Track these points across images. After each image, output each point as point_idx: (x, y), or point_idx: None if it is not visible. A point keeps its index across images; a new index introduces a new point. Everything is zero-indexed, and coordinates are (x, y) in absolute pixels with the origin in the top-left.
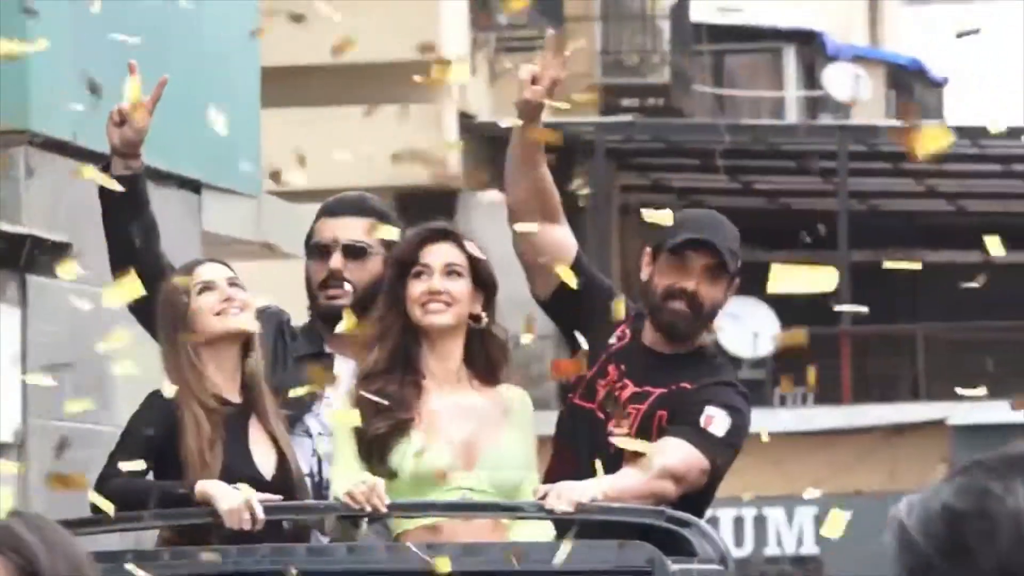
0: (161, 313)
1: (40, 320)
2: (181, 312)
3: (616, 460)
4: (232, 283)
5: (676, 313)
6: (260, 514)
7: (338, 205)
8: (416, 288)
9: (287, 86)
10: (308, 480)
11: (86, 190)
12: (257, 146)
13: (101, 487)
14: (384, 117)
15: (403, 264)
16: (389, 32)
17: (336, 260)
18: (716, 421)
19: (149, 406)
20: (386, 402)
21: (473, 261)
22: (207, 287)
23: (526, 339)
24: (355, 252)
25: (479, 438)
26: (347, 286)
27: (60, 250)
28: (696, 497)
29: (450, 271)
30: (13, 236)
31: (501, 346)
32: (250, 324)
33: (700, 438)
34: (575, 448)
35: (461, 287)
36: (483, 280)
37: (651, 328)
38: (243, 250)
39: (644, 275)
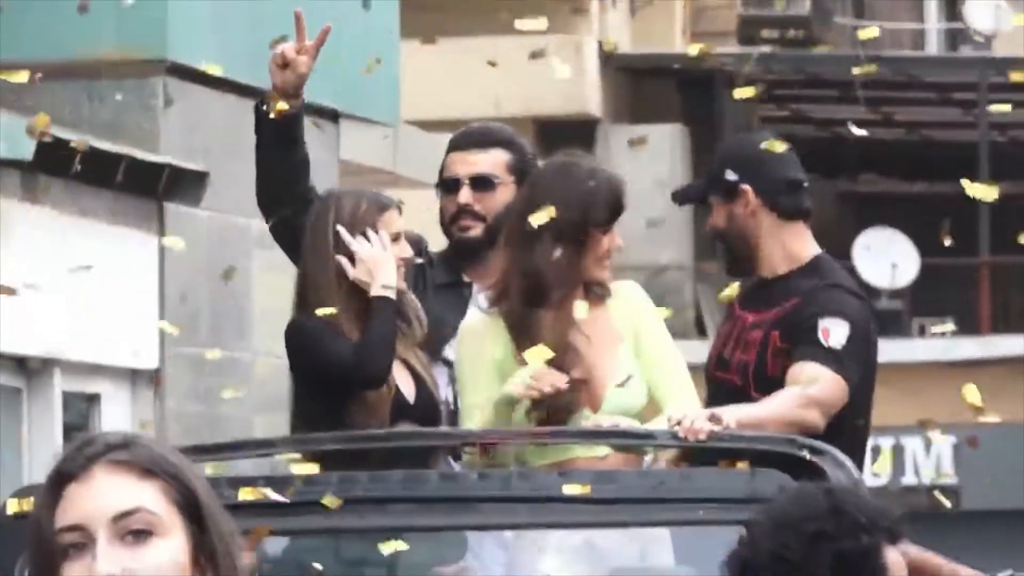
0: (331, 225)
1: (178, 249)
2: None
3: None
4: (399, 238)
5: (720, 251)
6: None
7: (464, 139)
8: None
9: (425, 16)
10: (443, 408)
11: (223, 120)
12: (396, 76)
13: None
14: (522, 47)
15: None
16: None
17: (465, 194)
18: (833, 332)
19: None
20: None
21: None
22: (395, 239)
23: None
24: (483, 184)
25: (597, 371)
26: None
27: (197, 179)
28: (852, 424)
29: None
30: (151, 165)
31: (596, 259)
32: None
33: (825, 355)
34: None
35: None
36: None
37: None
38: (379, 179)
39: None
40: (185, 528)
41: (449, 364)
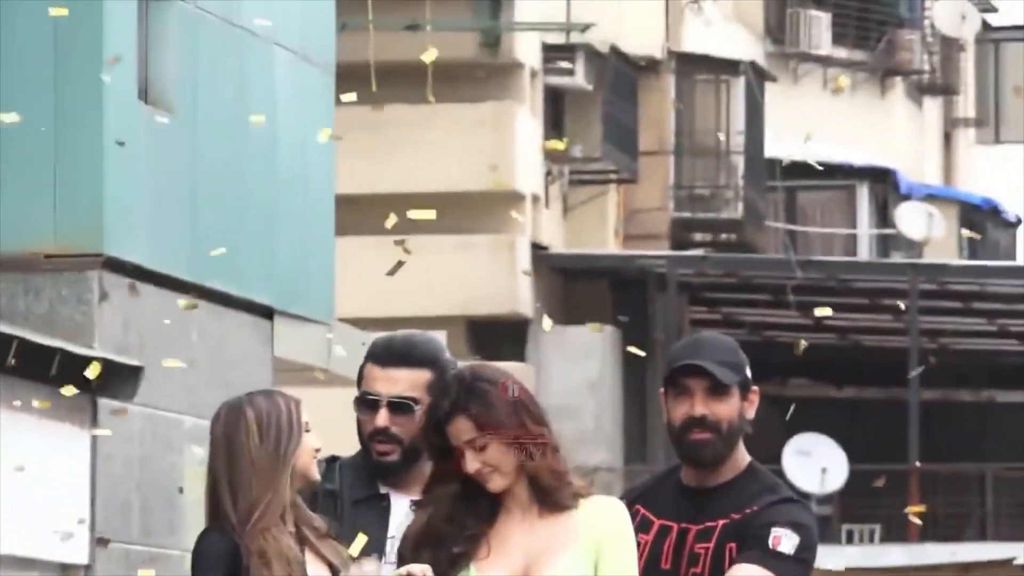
0: (273, 434)
1: (110, 443)
2: (294, 444)
3: None
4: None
5: (697, 442)
6: None
7: (385, 353)
8: (464, 467)
9: (359, 214)
10: None
11: (158, 315)
12: (331, 273)
13: None
14: (457, 246)
15: (433, 441)
16: (463, 163)
17: (383, 417)
18: (784, 540)
19: (205, 546)
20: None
21: (492, 423)
22: (308, 428)
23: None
24: (402, 408)
25: (534, 566)
26: (395, 440)
27: (132, 373)
28: None
29: (475, 447)
30: (85, 359)
31: (554, 473)
32: None
33: (771, 560)
34: None
35: (492, 454)
36: (510, 432)
37: (686, 465)
38: (313, 377)
39: (664, 417)
40: None
41: None
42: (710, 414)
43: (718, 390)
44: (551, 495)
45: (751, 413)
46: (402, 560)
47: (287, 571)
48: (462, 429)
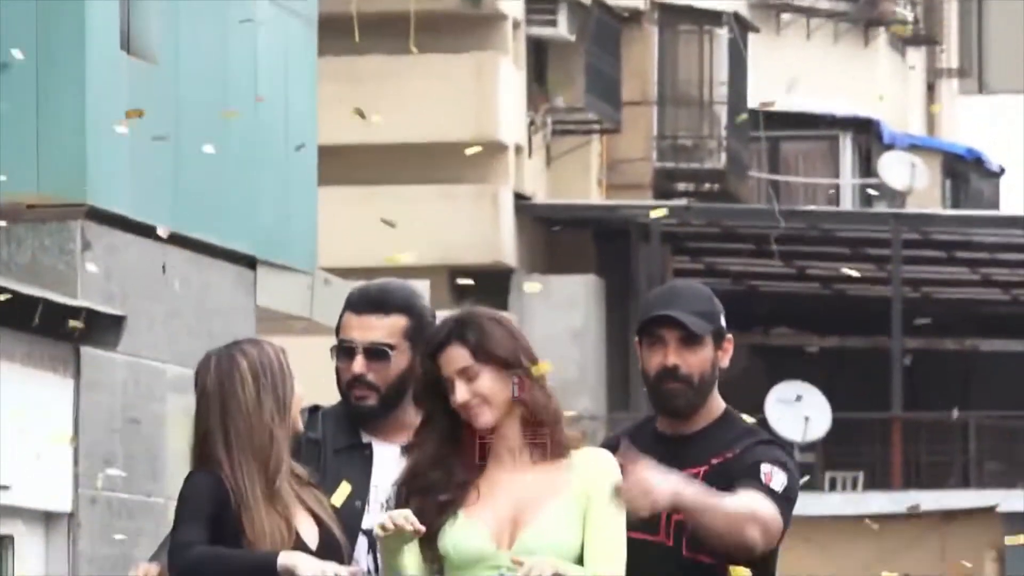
0: (271, 383)
1: (93, 392)
2: (290, 392)
3: None
4: None
5: (670, 392)
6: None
7: (361, 300)
8: (452, 400)
9: (343, 164)
10: (346, 551)
11: (141, 265)
12: (314, 223)
13: (182, 556)
14: (440, 196)
15: (427, 378)
16: (447, 113)
17: (359, 364)
18: (775, 477)
19: (196, 483)
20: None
21: (486, 350)
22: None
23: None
24: (377, 354)
25: (523, 514)
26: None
27: (114, 323)
28: (764, 572)
29: (468, 376)
30: (68, 308)
31: (542, 410)
32: None
33: (769, 493)
34: None
35: (482, 385)
36: (504, 361)
37: (660, 415)
38: (296, 326)
39: (640, 365)
40: None
41: (367, 533)
42: (683, 364)
43: (691, 340)
44: (544, 437)
45: (725, 361)
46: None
47: (284, 535)
48: (455, 357)
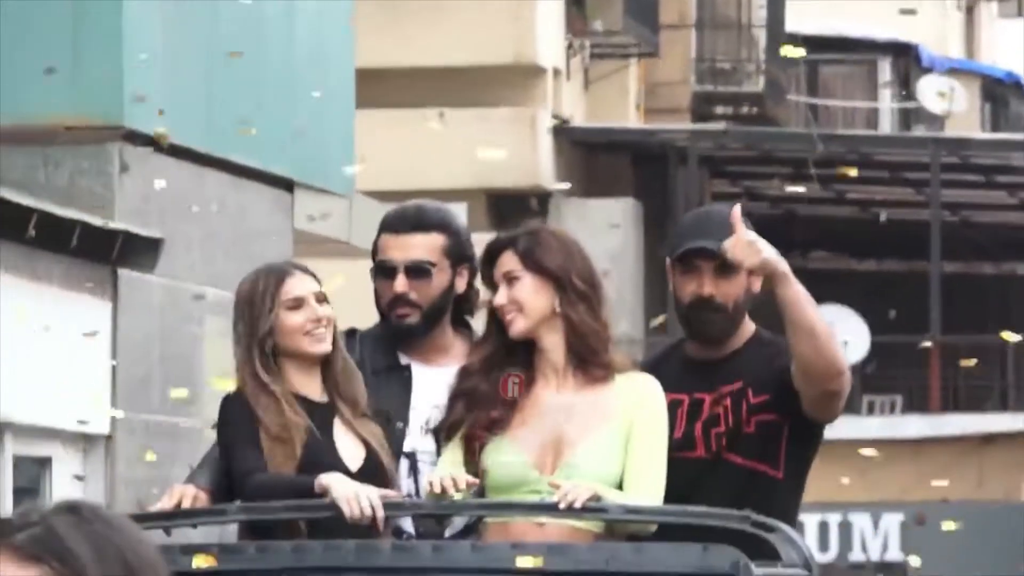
0: (241, 311)
1: (130, 314)
2: (263, 318)
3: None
4: (320, 299)
5: (705, 322)
6: (380, 510)
7: (399, 220)
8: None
9: (381, 88)
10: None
11: (178, 187)
12: (351, 146)
13: (242, 485)
14: (477, 119)
15: (487, 284)
16: (485, 36)
17: (401, 282)
18: None
19: (228, 411)
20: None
21: (535, 258)
22: (297, 305)
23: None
24: (418, 272)
25: (565, 439)
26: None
27: (152, 246)
28: (788, 498)
29: (510, 279)
30: (105, 231)
31: (589, 331)
32: (332, 343)
33: None
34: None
35: (522, 291)
36: (551, 273)
37: (694, 341)
38: (334, 249)
39: (671, 287)
40: None
41: (408, 456)
42: (718, 294)
43: (726, 269)
44: (589, 358)
45: (758, 286)
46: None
47: (279, 424)
48: (504, 261)
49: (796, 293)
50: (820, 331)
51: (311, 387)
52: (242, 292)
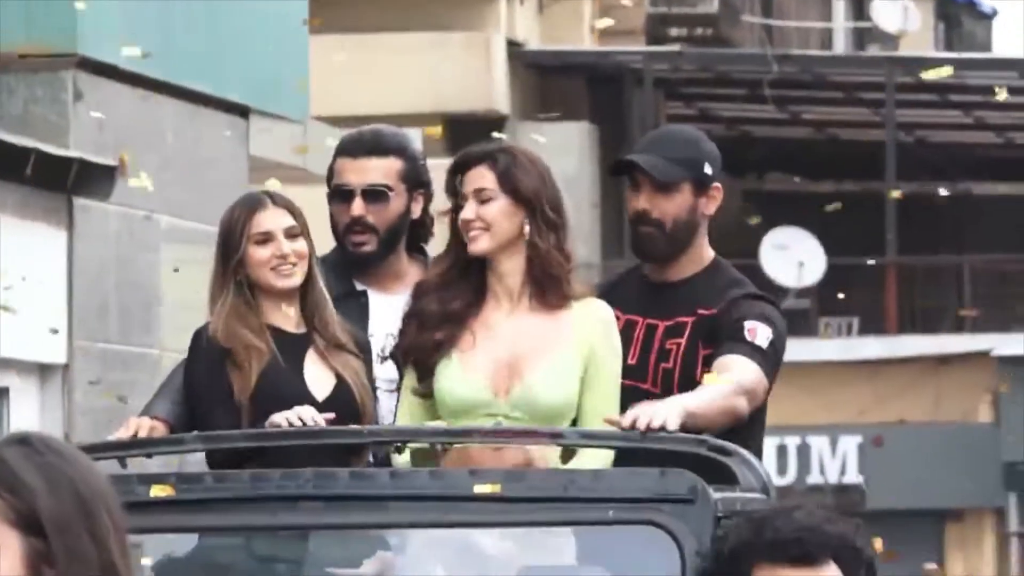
0: (219, 241)
1: (86, 242)
2: (234, 250)
3: None
4: (290, 234)
5: (641, 236)
6: (318, 419)
7: (355, 144)
8: (459, 217)
9: (333, 12)
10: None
11: (134, 115)
12: (306, 72)
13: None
14: (431, 43)
15: (450, 194)
16: None
17: (358, 206)
18: (759, 332)
19: (198, 349)
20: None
21: (512, 178)
22: (264, 239)
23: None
24: (375, 196)
25: (521, 362)
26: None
27: (107, 173)
28: (753, 423)
29: (481, 197)
30: (60, 159)
31: (554, 261)
32: (303, 277)
33: (751, 351)
34: None
35: (492, 211)
36: (524, 197)
37: (638, 258)
38: (289, 175)
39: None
40: (22, 543)
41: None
42: (654, 209)
43: (663, 186)
44: (550, 288)
45: (711, 209)
46: (402, 337)
47: (247, 355)
48: (478, 176)
49: (705, 417)
50: (728, 414)
51: (285, 319)
52: (221, 222)
